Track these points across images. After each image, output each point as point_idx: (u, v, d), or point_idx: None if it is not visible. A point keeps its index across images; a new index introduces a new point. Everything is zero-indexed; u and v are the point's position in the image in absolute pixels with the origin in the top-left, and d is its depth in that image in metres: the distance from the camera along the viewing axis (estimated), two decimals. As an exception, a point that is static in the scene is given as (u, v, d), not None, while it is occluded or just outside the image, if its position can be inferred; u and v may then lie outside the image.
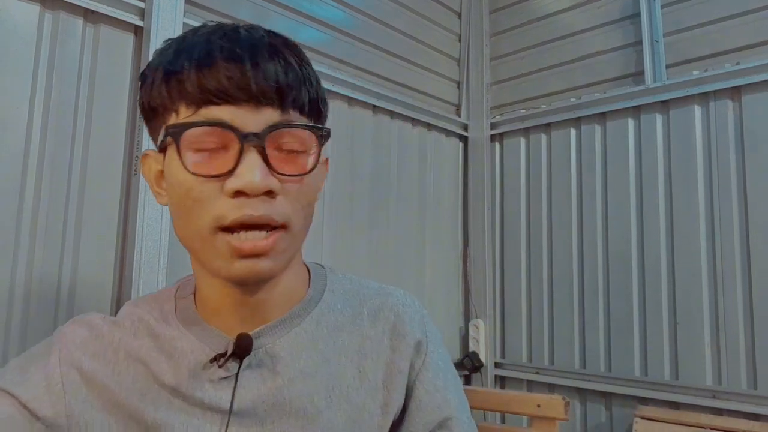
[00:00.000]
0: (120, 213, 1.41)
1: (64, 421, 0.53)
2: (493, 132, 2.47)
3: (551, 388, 2.17)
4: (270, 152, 0.47)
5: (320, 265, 0.66)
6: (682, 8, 1.99)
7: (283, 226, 0.49)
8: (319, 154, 0.51)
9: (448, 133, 2.45)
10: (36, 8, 1.31)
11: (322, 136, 0.50)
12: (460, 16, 2.56)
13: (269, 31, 0.53)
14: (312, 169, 0.50)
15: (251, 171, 0.46)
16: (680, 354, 1.88)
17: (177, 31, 1.48)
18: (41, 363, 0.55)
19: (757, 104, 1.80)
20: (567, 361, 2.15)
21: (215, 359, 0.53)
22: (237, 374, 0.53)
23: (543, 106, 2.33)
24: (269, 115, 0.47)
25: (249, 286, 0.53)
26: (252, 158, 0.46)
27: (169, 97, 0.48)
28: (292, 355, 0.56)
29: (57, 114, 1.33)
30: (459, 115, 2.50)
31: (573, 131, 2.24)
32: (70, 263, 1.33)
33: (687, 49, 1.97)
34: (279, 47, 0.50)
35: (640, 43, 2.07)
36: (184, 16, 1.51)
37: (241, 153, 0.46)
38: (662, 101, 1.99)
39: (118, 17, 1.42)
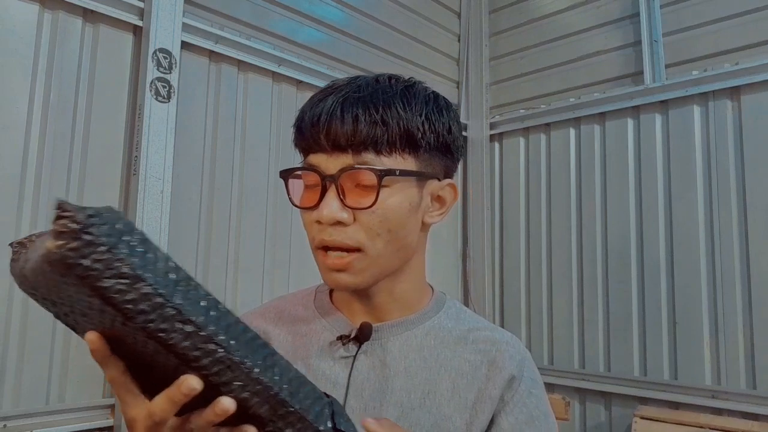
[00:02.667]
0: (119, 213, 1.41)
1: None
2: (493, 132, 2.47)
3: (551, 388, 2.17)
4: (347, 188, 0.59)
5: (444, 293, 0.76)
6: (681, 8, 1.99)
7: (357, 249, 0.60)
8: (378, 189, 0.58)
9: (448, 133, 2.45)
10: (35, 8, 1.31)
11: (381, 174, 0.58)
12: (459, 16, 2.56)
13: (374, 80, 0.63)
14: (374, 204, 0.58)
15: (325, 206, 0.58)
16: (679, 354, 1.88)
17: (176, 31, 1.48)
18: None
19: (756, 104, 1.80)
20: (566, 360, 2.15)
21: (340, 338, 0.66)
22: (355, 356, 0.65)
23: (542, 106, 2.33)
24: (343, 160, 0.59)
25: (357, 292, 0.66)
26: (329, 195, 0.59)
27: (295, 144, 0.66)
28: (401, 353, 0.66)
29: (56, 114, 1.33)
30: (458, 115, 2.50)
31: (572, 131, 2.24)
32: (70, 263, 1.33)
33: (686, 49, 1.97)
34: (360, 101, 0.60)
35: (639, 43, 2.07)
36: (183, 16, 1.50)
37: (324, 190, 0.59)
38: (661, 101, 1.99)
39: (117, 17, 1.42)
